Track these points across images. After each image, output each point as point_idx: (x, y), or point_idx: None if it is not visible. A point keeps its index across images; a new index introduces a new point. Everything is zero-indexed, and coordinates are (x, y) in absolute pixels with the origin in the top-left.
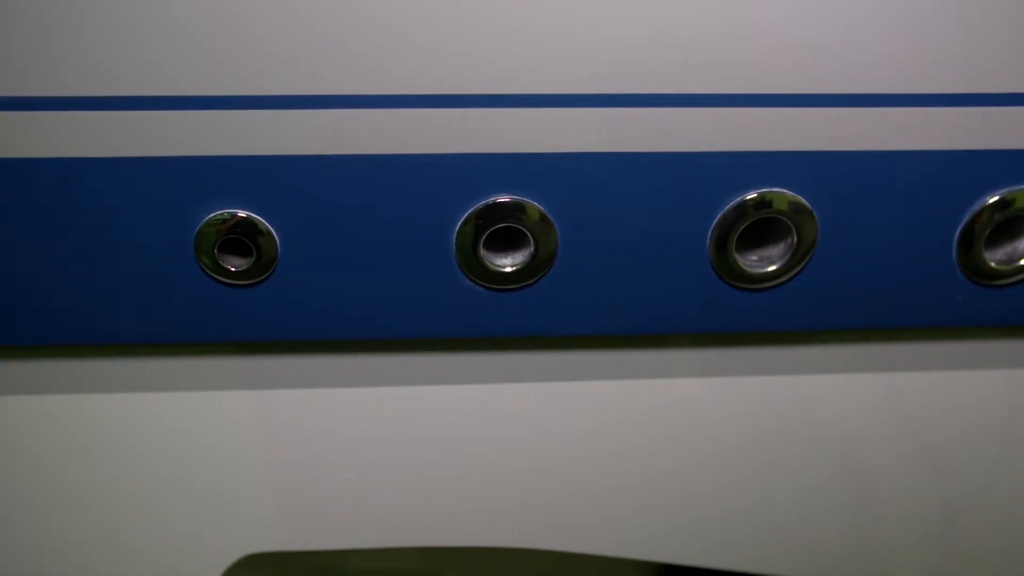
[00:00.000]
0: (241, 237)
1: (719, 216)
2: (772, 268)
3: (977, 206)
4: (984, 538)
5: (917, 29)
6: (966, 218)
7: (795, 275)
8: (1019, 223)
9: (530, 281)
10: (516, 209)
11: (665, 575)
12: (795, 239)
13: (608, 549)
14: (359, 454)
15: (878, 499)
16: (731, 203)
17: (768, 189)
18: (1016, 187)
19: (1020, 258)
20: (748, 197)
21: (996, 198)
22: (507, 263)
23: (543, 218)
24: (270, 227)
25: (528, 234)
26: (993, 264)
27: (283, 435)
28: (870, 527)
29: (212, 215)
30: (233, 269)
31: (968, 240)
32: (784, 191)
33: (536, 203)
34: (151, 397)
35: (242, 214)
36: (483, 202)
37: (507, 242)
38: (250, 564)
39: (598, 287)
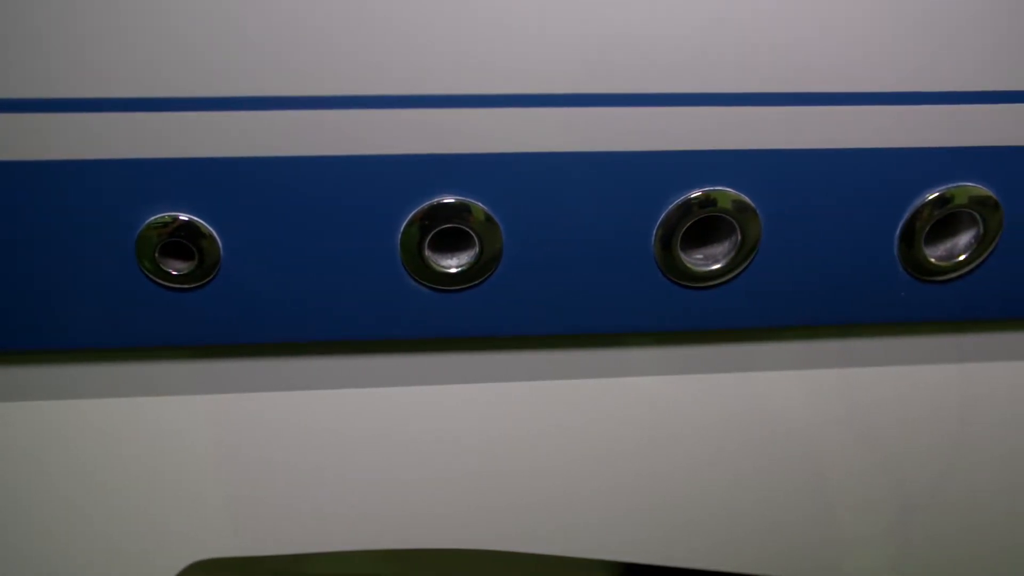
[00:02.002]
0: (183, 240)
1: (664, 215)
2: (717, 266)
3: (917, 203)
4: (938, 528)
5: (856, 30)
6: (907, 215)
7: (740, 273)
8: (958, 220)
9: (476, 282)
10: (461, 210)
11: (629, 574)
12: (739, 237)
13: (572, 550)
14: (310, 458)
15: (830, 490)
16: (675, 202)
17: (712, 188)
18: (954, 184)
19: (959, 254)
20: (692, 196)
21: (935, 195)
22: (452, 264)
23: (488, 219)
24: (212, 230)
25: (473, 235)
26: (933, 260)
27: (232, 439)
28: (824, 519)
29: (153, 218)
30: (175, 272)
31: (909, 237)
32: (727, 190)
33: (481, 204)
34: (97, 404)
35: (184, 217)
36: (428, 203)
37: (453, 243)
38: (201, 569)
39: (544, 287)
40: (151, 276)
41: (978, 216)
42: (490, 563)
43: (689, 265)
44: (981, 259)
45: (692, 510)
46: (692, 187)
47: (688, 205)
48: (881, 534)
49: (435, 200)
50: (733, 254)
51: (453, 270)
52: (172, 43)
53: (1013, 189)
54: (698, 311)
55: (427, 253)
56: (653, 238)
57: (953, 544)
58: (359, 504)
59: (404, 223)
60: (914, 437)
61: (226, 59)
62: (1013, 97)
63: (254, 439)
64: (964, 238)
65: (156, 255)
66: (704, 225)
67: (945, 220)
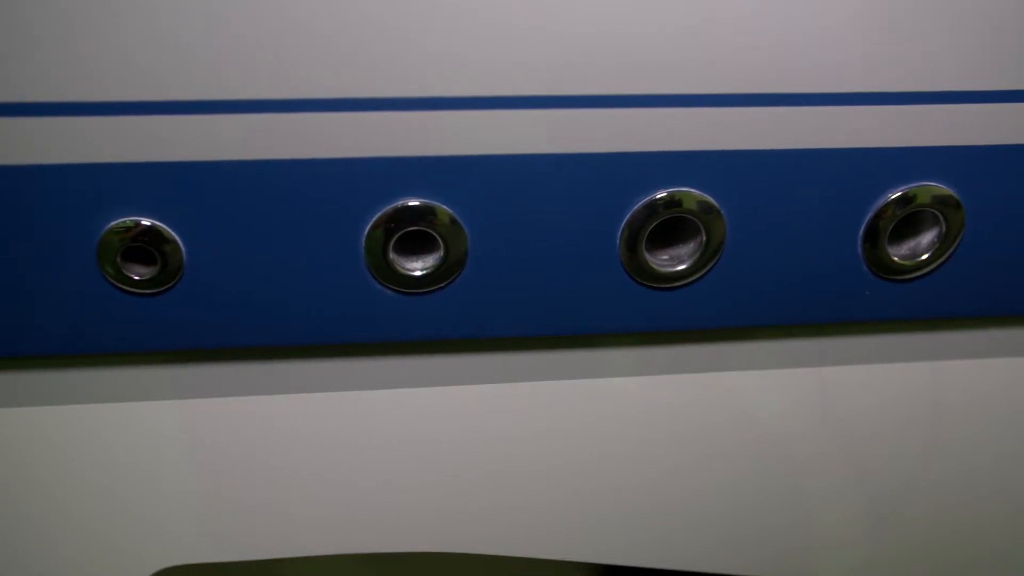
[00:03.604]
0: (146, 245)
1: (628, 216)
2: (682, 267)
3: (880, 202)
4: (912, 525)
5: (818, 32)
6: (870, 214)
7: (705, 274)
8: (921, 219)
9: (441, 285)
10: (426, 212)
11: (606, 574)
12: (704, 238)
13: (548, 553)
14: (280, 462)
15: (805, 489)
16: (640, 203)
17: (677, 188)
18: (917, 183)
19: (923, 253)
20: (657, 196)
21: (898, 194)
22: (417, 267)
23: (453, 221)
24: (175, 235)
25: (438, 238)
26: (897, 259)
27: (198, 444)
28: (800, 518)
29: (114, 223)
30: (137, 278)
31: (873, 236)
32: (692, 190)
33: (446, 206)
34: (59, 410)
35: (146, 222)
36: (392, 205)
37: (418, 246)
38: None
39: (509, 289)
40: (113, 281)
41: (940, 215)
42: (466, 565)
43: (654, 266)
44: (944, 258)
45: (667, 510)
46: (657, 188)
47: (653, 206)
48: (857, 532)
49: (400, 203)
50: (698, 255)
51: (418, 273)
52: (130, 47)
53: (974, 188)
54: (665, 312)
55: (392, 256)
56: (618, 239)
57: (927, 541)
58: (332, 508)
59: (368, 226)
60: (887, 435)
61: (186, 63)
62: (973, 97)
63: (222, 443)
64: (927, 237)
65: (118, 260)
66: (671, 226)
67: (908, 220)
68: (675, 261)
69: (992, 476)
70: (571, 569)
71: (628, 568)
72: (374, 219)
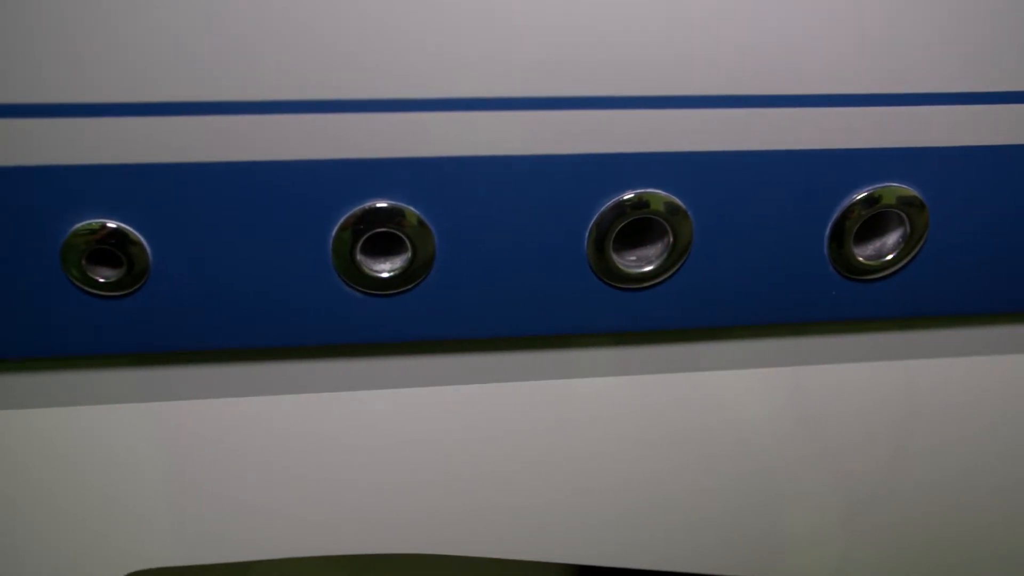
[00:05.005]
0: (111, 248)
1: (596, 217)
2: (650, 268)
3: (846, 203)
4: (886, 523)
5: (785, 33)
6: (835, 215)
7: (673, 274)
8: (886, 220)
9: (409, 286)
10: (394, 214)
11: (582, 573)
12: (671, 239)
13: (519, 553)
14: (250, 463)
15: (778, 487)
16: (607, 204)
17: (644, 190)
18: (882, 184)
19: (888, 253)
20: (625, 198)
21: (864, 195)
22: (385, 268)
23: (421, 223)
24: (141, 237)
25: (406, 239)
26: (862, 259)
27: (168, 446)
28: (773, 516)
29: (80, 225)
30: (103, 280)
31: (839, 236)
32: (659, 191)
33: (414, 208)
34: (26, 414)
35: (112, 224)
36: (360, 207)
37: (386, 247)
38: None
39: (477, 290)
40: (78, 284)
41: (904, 216)
42: (436, 566)
43: (622, 267)
44: (909, 258)
45: (639, 510)
46: (624, 190)
47: (620, 207)
48: (830, 530)
49: (367, 204)
50: (666, 256)
51: (385, 274)
52: (92, 49)
53: (938, 189)
54: (633, 312)
55: (359, 258)
56: (586, 240)
57: (899, 538)
58: (303, 510)
59: (336, 227)
60: (859, 433)
61: (150, 65)
62: (937, 99)
63: (191, 446)
64: (892, 238)
65: (83, 262)
66: (639, 228)
67: (874, 221)
68: (643, 262)
69: (964, 472)
70: (544, 569)
71: (602, 568)
72: (342, 221)
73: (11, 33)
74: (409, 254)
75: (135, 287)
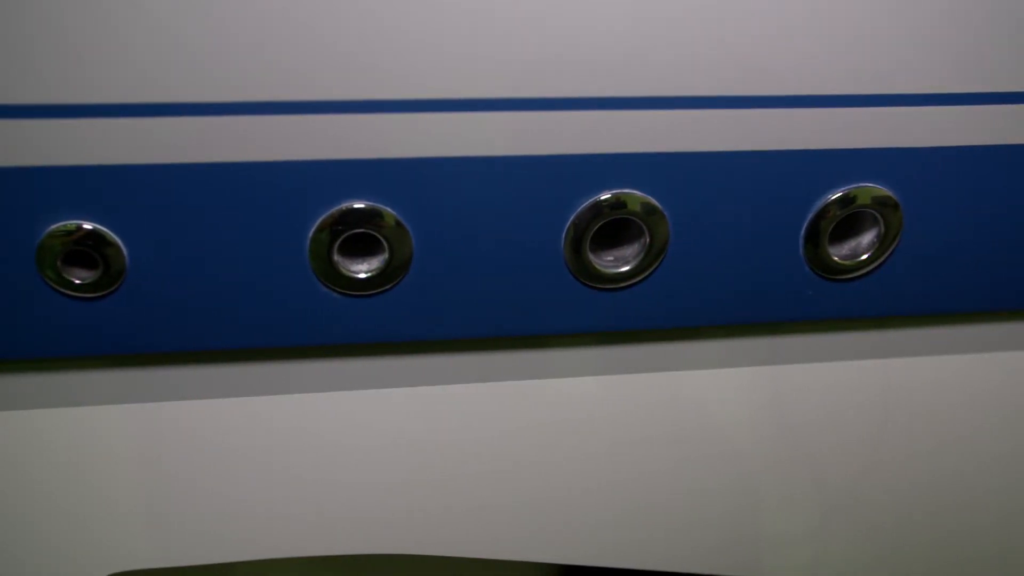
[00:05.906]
0: (87, 249)
1: (573, 217)
2: (627, 268)
3: (821, 203)
4: (859, 524)
5: (759, 34)
6: (811, 215)
7: (649, 275)
8: (861, 220)
9: (386, 287)
10: (372, 215)
11: (564, 573)
12: (648, 239)
13: (505, 553)
14: (231, 465)
15: (755, 487)
16: (584, 204)
17: (621, 190)
18: (857, 184)
19: (863, 253)
20: (602, 198)
21: (838, 195)
22: (362, 269)
23: (398, 224)
24: (117, 238)
25: (383, 240)
26: (837, 259)
27: (149, 448)
28: (750, 515)
29: (55, 226)
30: (79, 282)
31: (814, 236)
32: (635, 192)
33: (391, 209)
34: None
35: (88, 225)
36: (337, 208)
37: (364, 248)
38: None
39: (454, 291)
40: (54, 285)
41: (879, 216)
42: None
43: (598, 267)
44: (883, 258)
45: (617, 509)
46: (601, 190)
47: (597, 208)
48: (806, 528)
49: (345, 205)
50: (642, 256)
51: (363, 275)
52: (69, 50)
53: (912, 189)
54: (610, 312)
55: (336, 258)
56: (563, 241)
57: (871, 536)
58: (285, 510)
59: (313, 228)
60: (835, 431)
61: (126, 66)
62: (911, 100)
63: (172, 447)
64: (867, 238)
65: (59, 264)
66: (616, 228)
67: (849, 221)
68: (619, 262)
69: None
70: (527, 568)
71: (584, 567)
72: (319, 221)
73: None
74: (387, 255)
75: (111, 288)
